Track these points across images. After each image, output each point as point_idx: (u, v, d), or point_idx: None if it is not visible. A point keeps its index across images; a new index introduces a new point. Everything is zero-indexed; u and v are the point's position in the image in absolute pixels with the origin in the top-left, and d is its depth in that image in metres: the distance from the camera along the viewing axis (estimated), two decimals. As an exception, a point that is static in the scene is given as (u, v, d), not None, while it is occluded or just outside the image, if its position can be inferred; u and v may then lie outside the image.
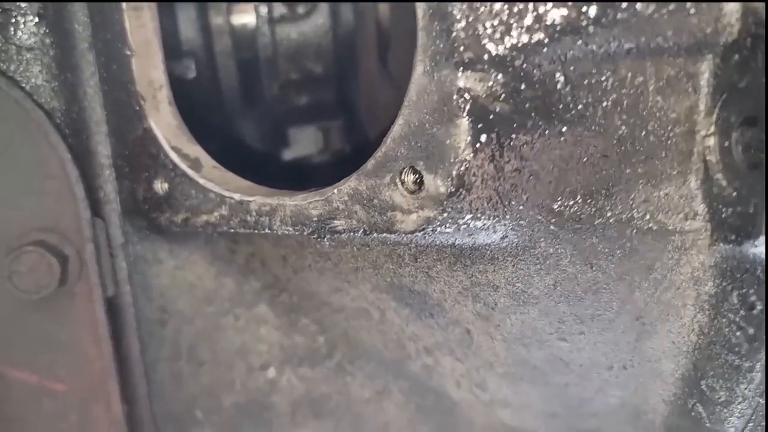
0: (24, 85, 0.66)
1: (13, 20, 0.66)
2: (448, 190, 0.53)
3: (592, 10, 0.47)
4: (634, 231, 0.54)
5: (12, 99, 0.65)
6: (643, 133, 0.52)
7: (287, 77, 1.03)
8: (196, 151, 0.70)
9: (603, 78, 0.51)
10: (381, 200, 0.56)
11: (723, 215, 0.51)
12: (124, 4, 0.67)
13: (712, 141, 0.51)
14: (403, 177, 0.54)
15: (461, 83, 0.50)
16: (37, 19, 0.67)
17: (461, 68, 0.50)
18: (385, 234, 0.57)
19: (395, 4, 0.94)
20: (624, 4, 0.47)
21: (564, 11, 0.48)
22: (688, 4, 0.47)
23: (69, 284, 0.67)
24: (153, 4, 0.70)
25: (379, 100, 1.05)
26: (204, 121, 0.79)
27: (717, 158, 0.51)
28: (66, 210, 0.67)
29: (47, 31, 0.68)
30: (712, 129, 0.51)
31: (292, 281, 0.74)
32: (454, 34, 0.50)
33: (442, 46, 0.50)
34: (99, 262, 0.68)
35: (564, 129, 0.51)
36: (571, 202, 0.54)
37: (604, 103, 0.51)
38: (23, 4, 0.66)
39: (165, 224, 0.70)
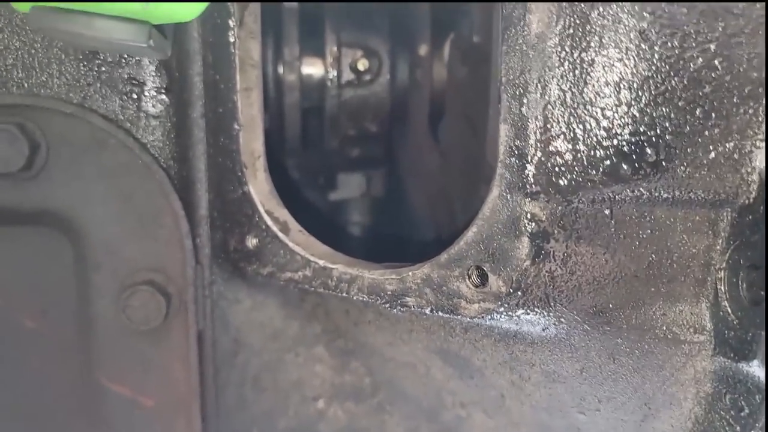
0: (151, 149, 0.78)
1: (146, 93, 0.78)
2: (508, 290, 0.65)
3: (643, 169, 0.60)
4: (652, 337, 0.66)
5: (141, 161, 0.77)
6: (669, 261, 0.65)
7: (346, 133, 1.15)
8: (284, 215, 0.82)
9: (642, 217, 0.63)
10: (449, 288, 0.68)
11: (726, 335, 0.64)
12: (238, 85, 0.80)
13: (723, 275, 0.64)
14: (470, 273, 0.67)
15: (527, 209, 0.63)
16: (164, 92, 0.79)
17: (529, 198, 0.63)
18: (448, 315, 0.69)
19: (454, 86, 1.07)
20: (667, 171, 0.60)
21: (623, 166, 0.60)
22: (719, 169, 0.60)
23: (169, 318, 0.79)
24: (260, 87, 0.82)
25: (423, 160, 1.17)
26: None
27: (725, 289, 0.64)
28: (173, 255, 0.79)
29: (171, 102, 0.80)
30: (724, 265, 0.64)
31: (350, 331, 0.87)
32: (526, 171, 0.62)
33: (515, 179, 0.63)
34: (195, 301, 0.80)
35: (605, 253, 0.64)
36: (604, 310, 0.66)
37: (641, 236, 0.64)
38: (156, 80, 0.79)
39: (251, 274, 0.82)
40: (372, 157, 1.22)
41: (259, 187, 0.82)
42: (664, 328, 0.66)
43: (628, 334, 0.67)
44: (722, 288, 0.64)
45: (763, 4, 0.56)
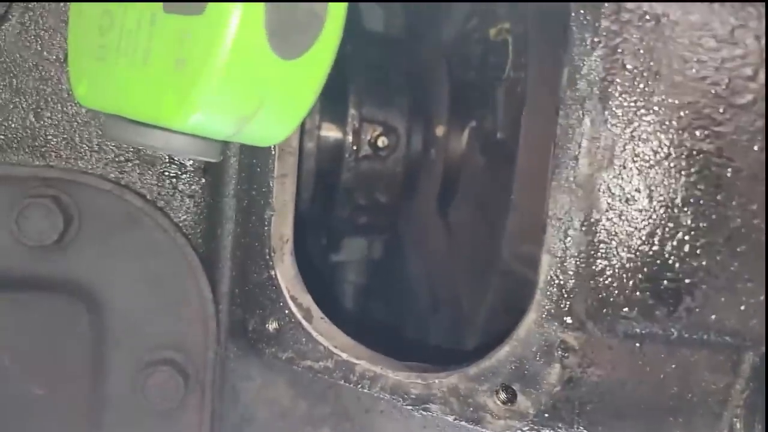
0: (183, 228, 0.79)
1: (184, 175, 0.79)
2: (535, 411, 0.67)
3: (678, 312, 0.63)
4: (667, 465, 0.69)
5: (173, 241, 0.77)
6: (690, 395, 0.68)
7: (357, 203, 1.17)
8: (308, 301, 0.83)
9: (669, 354, 0.66)
10: (476, 401, 0.70)
11: (737, 471, 0.67)
12: (276, 171, 0.81)
13: (740, 412, 0.67)
14: (499, 390, 0.69)
15: (563, 337, 0.65)
16: (202, 174, 0.80)
17: (565, 327, 0.65)
18: (471, 425, 0.71)
19: (470, 172, 1.09)
20: (700, 316, 0.63)
21: (659, 308, 0.63)
22: (748, 319, 0.63)
23: (186, 398, 0.79)
24: (295, 173, 0.83)
25: (428, 237, 1.19)
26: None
27: (741, 427, 0.67)
28: (195, 335, 0.79)
29: (207, 182, 0.80)
30: (742, 403, 0.67)
31: (359, 417, 0.88)
32: (565, 303, 0.65)
33: (553, 307, 0.65)
34: (213, 382, 0.80)
35: (631, 383, 0.67)
36: (624, 435, 0.69)
37: (666, 370, 0.67)
38: (196, 162, 0.79)
39: (269, 357, 0.83)
40: (378, 224, 1.24)
41: (285, 272, 0.83)
42: (679, 457, 0.69)
43: (644, 460, 0.70)
44: (738, 425, 0.67)
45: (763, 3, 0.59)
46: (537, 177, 0.86)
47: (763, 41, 0.59)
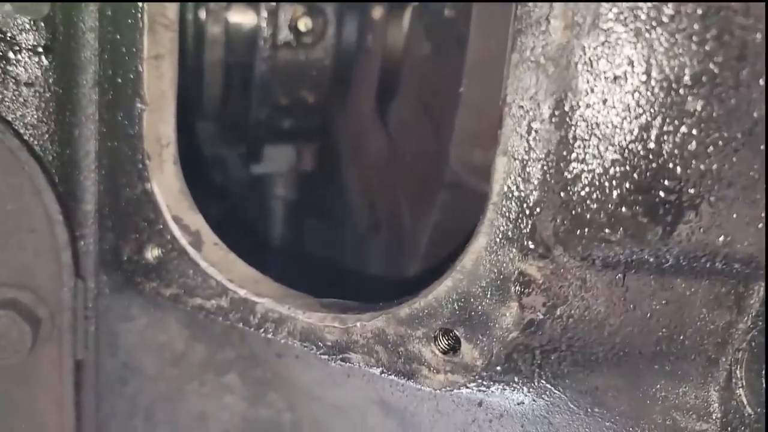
0: (20, 128, 0.58)
1: (15, 52, 0.58)
2: (484, 363, 0.51)
3: (677, 232, 0.46)
4: (648, 423, 0.55)
5: (3, 144, 0.57)
6: (681, 337, 0.53)
7: (277, 102, 0.97)
8: (197, 222, 0.65)
9: (659, 287, 0.50)
10: (408, 350, 0.54)
11: (736, 429, 0.53)
12: (145, 52, 0.60)
13: (741, 356, 0.53)
14: (438, 336, 0.52)
15: (522, 268, 0.49)
16: (43, 52, 0.59)
17: (526, 254, 0.48)
18: (402, 380, 0.55)
19: (412, 63, 0.90)
20: (704, 236, 0.47)
21: (652, 227, 0.46)
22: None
23: (37, 348, 0.61)
24: (174, 54, 0.63)
25: (367, 143, 1.01)
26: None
27: (742, 375, 0.53)
28: (45, 269, 0.60)
29: (52, 65, 0.60)
30: (745, 346, 0.52)
31: (271, 362, 0.71)
32: (527, 221, 0.48)
33: (511, 228, 0.48)
34: (74, 327, 0.62)
35: (610, 325, 0.51)
36: (597, 389, 0.54)
37: (654, 307, 0.51)
38: (31, 34, 0.58)
39: (149, 293, 0.65)
40: (305, 128, 1.04)
41: (166, 185, 0.64)
42: (663, 412, 0.55)
43: (620, 417, 0.55)
44: (739, 373, 0.53)
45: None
46: (493, 61, 0.67)
47: None
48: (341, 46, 0.94)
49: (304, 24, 0.89)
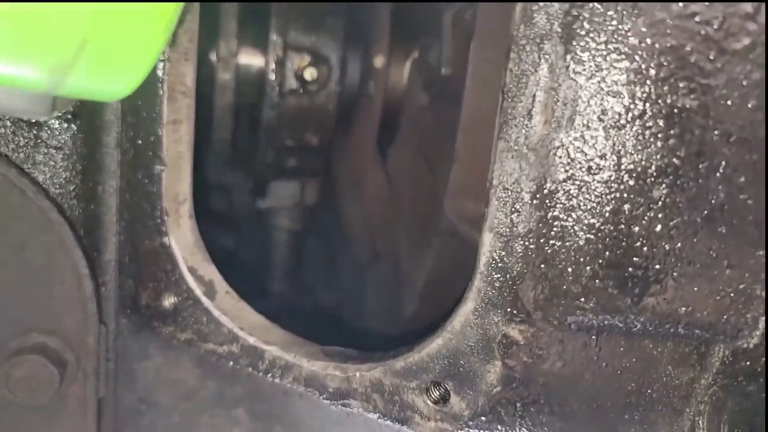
0: (50, 189, 0.64)
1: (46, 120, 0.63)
2: (471, 414, 0.57)
3: (644, 302, 0.52)
4: (620, 467, 0.60)
5: (36, 206, 0.62)
6: (649, 391, 0.58)
7: (283, 144, 1.02)
8: (210, 272, 0.70)
9: (628, 348, 0.56)
10: (402, 399, 0.59)
11: (699, 475, 0.58)
12: (165, 117, 0.66)
13: (703, 409, 0.58)
14: (430, 388, 0.58)
15: (505, 331, 0.54)
16: (71, 119, 0.64)
17: (509, 319, 0.54)
18: (397, 425, 0.61)
19: (411, 112, 0.95)
20: (670, 306, 0.52)
21: (622, 299, 0.52)
22: (725, 309, 0.53)
23: (63, 389, 0.66)
24: (191, 119, 0.69)
25: (366, 181, 1.06)
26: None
27: (704, 425, 0.58)
28: (72, 316, 0.66)
29: (79, 129, 0.65)
30: (707, 399, 0.58)
31: (277, 398, 0.77)
32: (510, 291, 0.53)
33: (496, 296, 0.54)
34: (97, 368, 0.68)
35: (584, 381, 0.57)
36: (574, 437, 0.59)
37: (624, 365, 0.57)
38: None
39: (165, 336, 0.70)
40: (309, 166, 1.10)
41: (182, 239, 0.69)
42: (634, 458, 0.60)
43: (594, 463, 0.61)
44: (701, 423, 0.58)
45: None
46: (485, 124, 0.73)
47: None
48: (344, 93, 1.00)
49: (309, 74, 0.94)
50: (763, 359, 0.53)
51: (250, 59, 0.96)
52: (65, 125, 0.64)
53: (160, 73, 0.64)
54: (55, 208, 0.63)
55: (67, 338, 0.66)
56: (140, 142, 0.67)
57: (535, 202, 0.51)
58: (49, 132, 0.64)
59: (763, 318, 0.53)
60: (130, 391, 0.76)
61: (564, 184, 0.50)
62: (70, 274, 0.64)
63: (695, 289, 0.52)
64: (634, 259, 0.51)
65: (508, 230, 0.52)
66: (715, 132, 0.48)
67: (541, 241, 0.52)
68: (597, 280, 0.52)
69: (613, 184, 0.50)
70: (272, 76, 0.94)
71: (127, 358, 0.75)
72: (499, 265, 0.53)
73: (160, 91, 0.65)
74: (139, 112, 0.66)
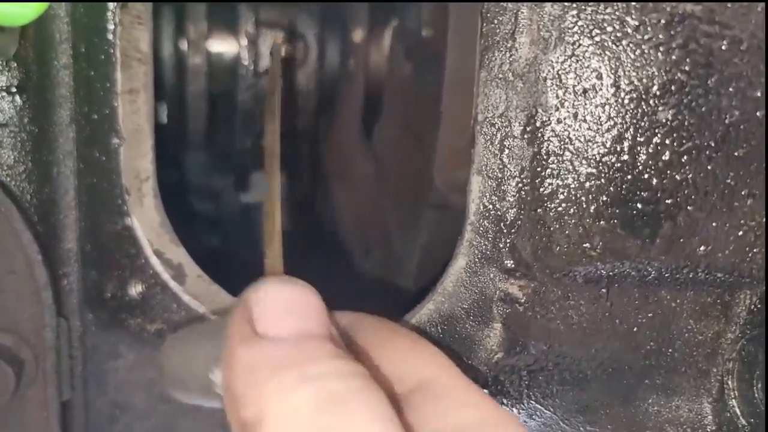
0: (-5, 169, 0.58)
1: (-12, 93, 0.58)
2: (471, 386, 0.50)
3: (655, 244, 0.46)
4: (642, 439, 0.54)
5: (-19, 189, 0.57)
6: (670, 350, 0.52)
7: (262, 129, 0.97)
8: (179, 255, 0.64)
9: (644, 299, 0.50)
10: (394, 376, 0.53)
11: (732, 441, 0.52)
12: (119, 86, 0.60)
13: (732, 367, 0.52)
14: (422, 360, 0.51)
15: (503, 287, 0.48)
16: (16, 92, 0.59)
17: (506, 274, 0.48)
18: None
19: (394, 84, 0.90)
20: (683, 247, 0.46)
21: (631, 240, 0.46)
22: (747, 247, 0.47)
23: (21, 391, 0.60)
24: (150, 88, 0.63)
25: (354, 164, 1.00)
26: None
27: (734, 385, 0.52)
28: (27, 310, 0.60)
29: (26, 105, 0.59)
30: (735, 356, 0.51)
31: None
32: (504, 239, 0.47)
33: (489, 248, 0.48)
34: (58, 367, 0.61)
35: (596, 344, 0.50)
36: (589, 407, 0.53)
37: (640, 321, 0.50)
38: (3, 75, 0.58)
39: (134, 328, 0.64)
40: (293, 155, 1.04)
41: (147, 219, 0.63)
42: (657, 427, 0.54)
43: (613, 435, 0.54)
44: (731, 383, 0.52)
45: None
46: (469, 84, 0.67)
47: None
48: (324, 71, 0.94)
49: (284, 51, 0.89)
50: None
51: (221, 39, 0.91)
52: (9, 99, 0.59)
53: (111, 37, 0.59)
54: (1, 191, 0.57)
55: (23, 334, 0.60)
56: (95, 116, 0.61)
57: (526, 136, 0.45)
58: (-10, 107, 0.58)
59: (793, 254, 0.46)
60: (101, 393, 0.70)
61: (557, 112, 0.45)
62: (20, 261, 0.58)
63: (713, 224, 0.46)
64: (642, 193, 0.45)
65: (498, 171, 0.46)
66: (724, 40, 0.43)
67: (537, 180, 0.46)
68: (602, 221, 0.46)
69: (612, 108, 0.44)
70: (245, 55, 0.89)
71: (96, 357, 0.68)
72: (491, 212, 0.47)
73: (113, 59, 0.60)
74: (93, 84, 0.61)
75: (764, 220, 0.46)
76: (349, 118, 0.98)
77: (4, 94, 0.59)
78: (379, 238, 0.97)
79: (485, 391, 0.50)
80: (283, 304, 0.34)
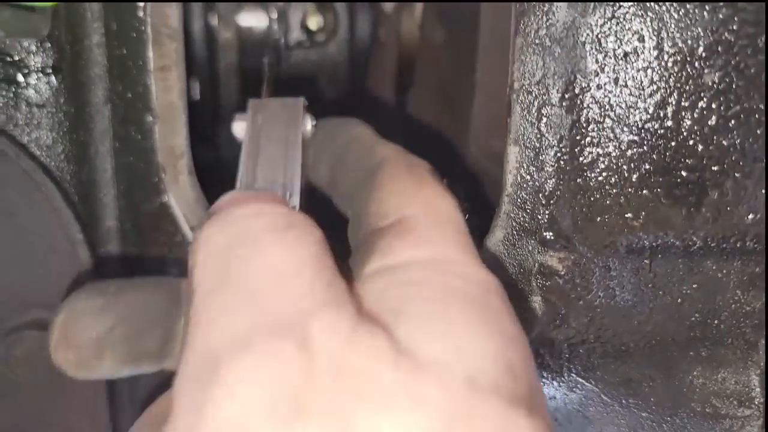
0: (35, 150, 0.59)
1: (24, 75, 0.58)
2: (510, 359, 0.50)
3: (701, 214, 0.44)
4: (687, 411, 0.53)
5: (21, 168, 0.57)
6: (716, 321, 0.50)
7: (297, 103, 0.96)
8: (217, 231, 0.64)
9: (689, 271, 0.48)
10: (432, 350, 0.53)
11: (781, 414, 0.50)
12: (151, 64, 0.60)
13: (782, 338, 0.50)
14: (460, 334, 0.51)
15: (542, 260, 0.47)
16: (52, 72, 0.59)
17: (545, 246, 0.47)
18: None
19: (427, 52, 0.88)
20: (730, 215, 0.44)
21: (675, 210, 0.44)
22: (795, 216, 0.45)
23: (67, 366, 0.62)
24: (182, 64, 0.63)
25: (386, 135, 0.99)
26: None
27: (785, 356, 0.50)
28: (69, 289, 0.61)
29: (62, 85, 0.60)
30: (785, 327, 0.50)
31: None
32: (544, 210, 0.46)
33: (528, 220, 0.46)
34: (102, 343, 0.63)
35: (640, 314, 0.49)
36: (631, 380, 0.52)
37: (685, 293, 0.49)
38: (39, 56, 0.58)
39: (175, 304, 0.65)
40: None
41: (183, 196, 0.63)
42: (702, 400, 0.53)
43: (657, 407, 0.53)
44: (780, 355, 0.50)
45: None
46: (506, 44, 0.66)
47: None
48: (355, 42, 0.93)
49: (315, 22, 0.88)
50: None
51: (251, 12, 0.90)
52: (45, 80, 0.59)
53: (141, 14, 0.59)
54: (39, 169, 0.58)
55: (68, 312, 0.61)
56: (129, 94, 0.61)
57: (564, 103, 0.44)
58: (28, 89, 0.59)
59: None
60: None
61: (597, 77, 0.43)
62: (62, 241, 0.59)
63: (762, 191, 0.44)
64: (687, 160, 0.43)
65: (536, 141, 0.45)
66: (776, -3, 0.40)
67: (576, 149, 0.44)
68: (645, 190, 0.44)
69: (655, 72, 0.42)
70: (275, 29, 0.88)
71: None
72: (529, 183, 0.46)
73: (144, 36, 0.59)
74: (125, 61, 0.61)
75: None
76: (381, 89, 0.97)
77: (41, 74, 0.59)
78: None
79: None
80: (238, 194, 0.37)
